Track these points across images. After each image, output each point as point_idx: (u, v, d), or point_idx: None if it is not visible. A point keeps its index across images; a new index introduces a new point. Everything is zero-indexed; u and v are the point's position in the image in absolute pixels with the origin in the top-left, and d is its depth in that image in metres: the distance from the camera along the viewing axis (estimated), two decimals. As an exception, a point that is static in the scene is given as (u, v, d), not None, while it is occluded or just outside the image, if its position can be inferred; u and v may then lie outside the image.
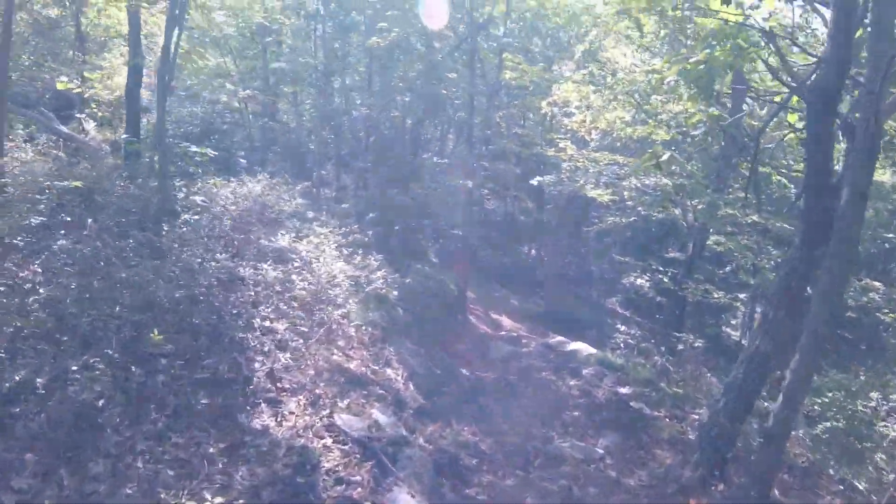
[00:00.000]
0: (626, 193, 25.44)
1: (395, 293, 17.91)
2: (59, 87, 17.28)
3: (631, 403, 17.30)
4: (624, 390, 18.16)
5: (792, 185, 25.55)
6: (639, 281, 26.14)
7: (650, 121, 25.31)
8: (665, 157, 10.93)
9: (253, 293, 12.77)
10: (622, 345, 23.40)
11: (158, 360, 10.73)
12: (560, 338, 24.85)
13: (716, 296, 24.73)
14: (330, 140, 32.49)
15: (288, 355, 12.20)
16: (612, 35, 26.95)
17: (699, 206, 22.22)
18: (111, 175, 15.73)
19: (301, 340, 12.63)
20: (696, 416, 17.21)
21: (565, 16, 28.09)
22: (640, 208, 25.10)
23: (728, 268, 30.33)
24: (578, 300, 34.62)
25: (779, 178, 25.43)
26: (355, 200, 26.20)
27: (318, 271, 14.04)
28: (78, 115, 21.40)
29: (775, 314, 12.90)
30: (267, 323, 12.70)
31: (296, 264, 14.16)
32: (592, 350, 22.33)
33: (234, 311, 12.32)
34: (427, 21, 25.63)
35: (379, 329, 15.62)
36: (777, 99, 12.70)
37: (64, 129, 19.10)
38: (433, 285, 23.12)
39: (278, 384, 11.44)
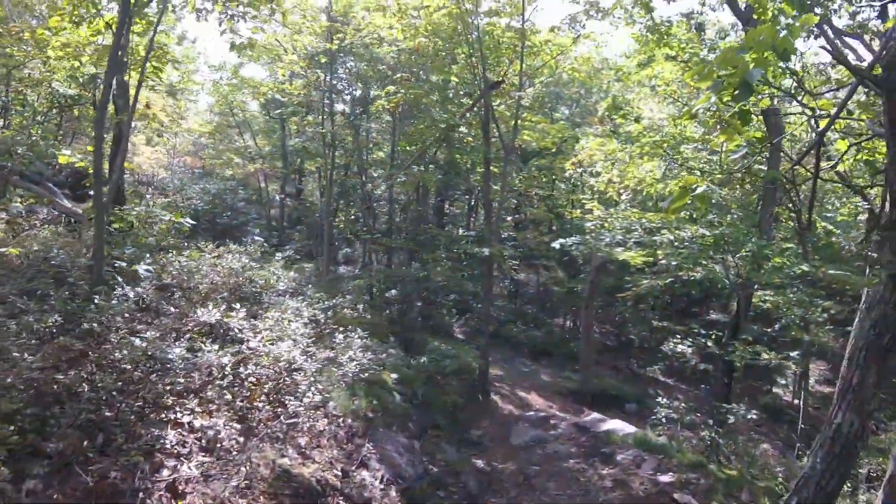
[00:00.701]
0: (659, 253, 22.19)
1: (395, 376, 14.81)
2: (61, 160, 15.56)
3: (675, 496, 13.87)
4: (666, 478, 14.76)
5: (838, 230, 22.30)
6: (680, 347, 22.45)
7: (682, 173, 22.36)
8: (700, 189, 7.73)
9: (184, 379, 9.71)
10: (664, 419, 19.93)
11: (33, 462, 7.64)
12: (594, 415, 21.54)
13: (766, 356, 21.30)
14: (354, 217, 29.77)
15: (212, 460, 9.02)
16: (636, 87, 24.07)
17: (742, 258, 19.00)
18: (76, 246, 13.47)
19: (242, 439, 9.50)
20: (756, 510, 13.77)
21: (584, 70, 25.25)
22: (673, 264, 21.75)
23: (777, 325, 26.92)
24: (617, 372, 31.19)
25: (823, 224, 22.15)
26: (375, 276, 23.22)
27: (284, 354, 10.91)
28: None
29: (862, 379, 9.48)
30: (197, 418, 9.60)
31: (251, 345, 11.07)
32: (630, 428, 18.97)
33: (154, 402, 9.25)
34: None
35: (362, 420, 12.51)
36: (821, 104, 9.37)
37: (67, 203, 17.29)
38: (451, 364, 20.03)
39: (180, 502, 8.16)
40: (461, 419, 18.68)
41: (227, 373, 10.05)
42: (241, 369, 10.31)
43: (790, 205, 22.21)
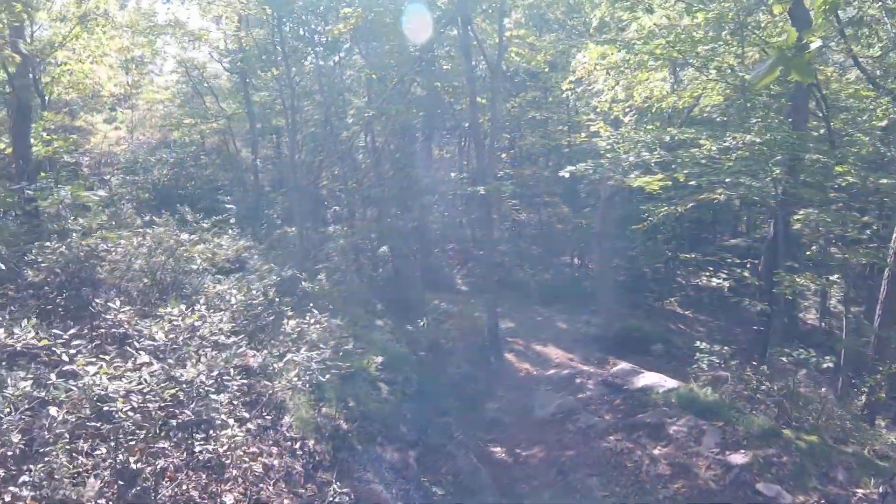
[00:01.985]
0: (679, 176, 17.86)
1: (380, 359, 10.63)
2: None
3: (759, 487, 9.77)
4: (738, 457, 10.77)
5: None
6: (715, 280, 18.21)
7: (700, 75, 18.04)
8: (814, 45, 3.14)
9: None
10: (705, 365, 15.83)
11: None
12: (623, 365, 17.64)
13: (812, 284, 17.28)
14: (335, 174, 25.34)
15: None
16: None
17: (778, 163, 14.86)
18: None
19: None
20: (863, 492, 9.68)
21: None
22: (695, 184, 17.46)
23: (814, 247, 22.76)
24: (634, 308, 26.99)
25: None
26: (360, 232, 18.81)
27: (185, 373, 6.65)
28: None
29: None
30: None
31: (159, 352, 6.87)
32: (670, 382, 15.07)
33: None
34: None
35: (329, 440, 8.35)
36: None
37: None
38: (456, 326, 15.97)
39: None
40: (472, 393, 14.68)
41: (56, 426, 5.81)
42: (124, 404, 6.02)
43: (819, 113, 17.97)
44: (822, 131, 19.09)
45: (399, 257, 18.91)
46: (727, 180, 17.19)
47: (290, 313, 9.59)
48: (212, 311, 8.05)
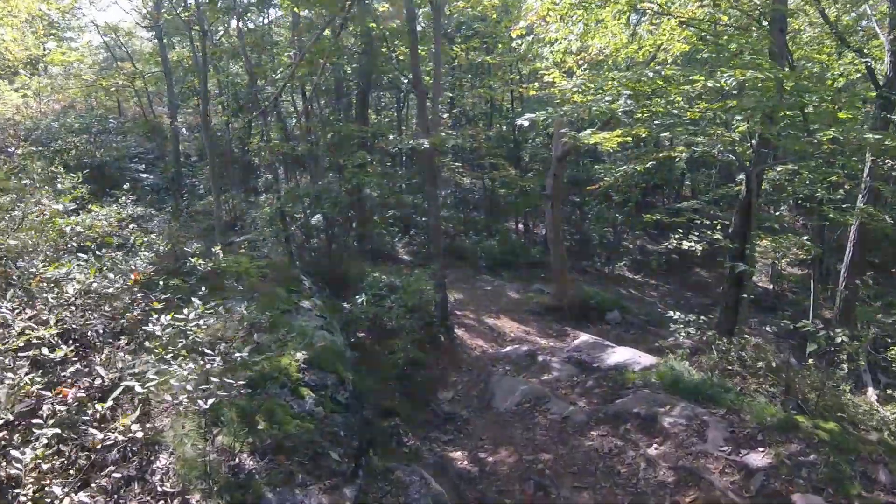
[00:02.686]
0: (640, 131, 15.45)
1: (302, 356, 7.82)
2: None
3: (795, 499, 7.32)
4: (758, 458, 8.34)
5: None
6: (686, 244, 15.73)
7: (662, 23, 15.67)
8: None
9: None
10: (681, 336, 13.55)
11: None
12: (585, 337, 15.43)
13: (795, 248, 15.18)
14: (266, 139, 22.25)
15: None
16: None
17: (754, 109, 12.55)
18: None
19: None
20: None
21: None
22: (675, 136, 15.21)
23: (783, 207, 20.74)
24: (584, 274, 24.75)
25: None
26: (285, 199, 15.72)
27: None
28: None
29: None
30: None
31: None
32: (646, 358, 12.82)
33: None
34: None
35: (218, 497, 5.42)
36: None
37: None
38: (398, 300, 13.28)
39: None
40: (422, 382, 12.02)
41: None
42: None
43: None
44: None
45: (334, 226, 16.02)
46: (696, 135, 14.89)
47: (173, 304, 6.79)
48: (29, 306, 5.19)
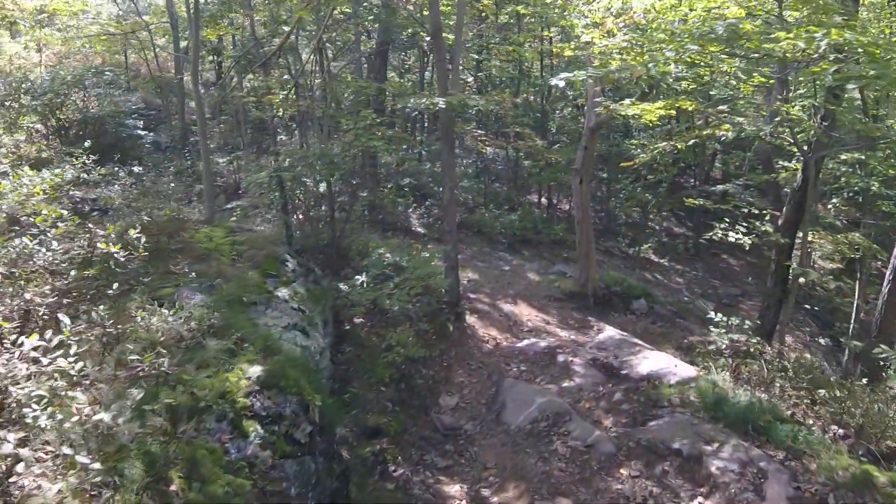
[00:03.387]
0: (686, 103, 13.22)
1: (256, 372, 5.72)
2: None
3: None
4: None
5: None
6: (733, 235, 13.36)
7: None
8: None
9: None
10: (723, 341, 11.34)
11: None
12: (609, 331, 13.51)
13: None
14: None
15: None
16: None
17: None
18: None
19: None
20: None
21: None
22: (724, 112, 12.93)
23: (835, 199, 18.36)
24: (608, 256, 22.49)
25: None
26: (282, 163, 13.51)
27: None
28: None
29: None
30: None
31: None
32: (683, 368, 10.74)
33: None
34: None
35: None
36: None
37: None
38: (406, 283, 11.22)
39: None
40: (422, 384, 9.96)
41: None
42: None
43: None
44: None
45: (339, 195, 13.89)
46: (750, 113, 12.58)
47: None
48: None
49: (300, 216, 13.78)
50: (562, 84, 9.71)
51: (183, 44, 21.56)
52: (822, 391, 9.50)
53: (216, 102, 23.25)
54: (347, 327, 10.71)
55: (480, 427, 9.16)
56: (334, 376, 8.69)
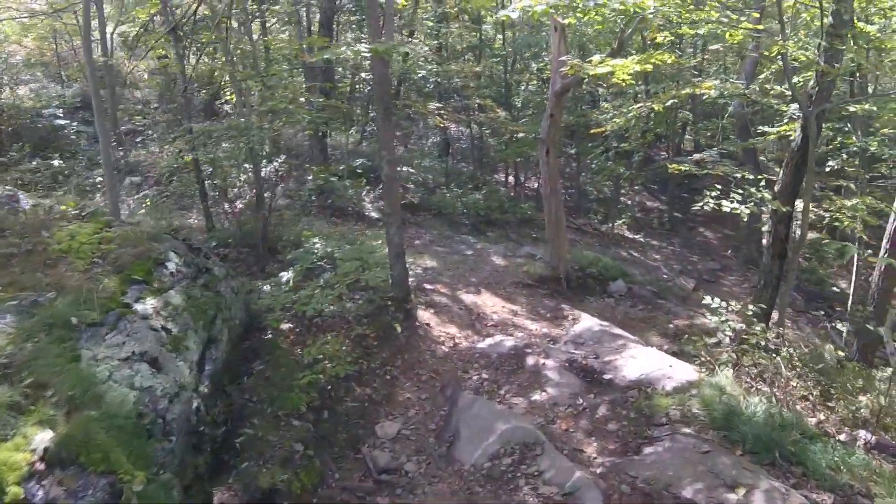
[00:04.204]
0: (666, 57, 10.90)
1: (45, 441, 3.16)
2: None
3: None
4: None
5: None
6: (727, 205, 10.86)
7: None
8: None
9: None
10: (725, 333, 8.97)
11: None
12: (587, 320, 11.39)
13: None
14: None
15: None
16: None
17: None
18: None
19: None
20: None
21: None
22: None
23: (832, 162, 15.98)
24: (581, 235, 20.16)
25: None
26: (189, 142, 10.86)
27: None
28: None
29: None
30: None
31: None
32: (680, 368, 8.29)
33: None
34: None
35: None
36: None
37: None
38: (343, 279, 8.73)
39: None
40: (355, 406, 7.55)
41: None
42: None
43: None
44: None
45: (265, 179, 11.32)
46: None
47: None
48: None
49: (226, 205, 11.24)
50: (515, 15, 7.19)
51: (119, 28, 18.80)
52: (833, 383, 7.28)
53: (161, 87, 20.35)
54: (265, 337, 8.21)
55: (426, 466, 6.72)
56: (217, 418, 6.20)
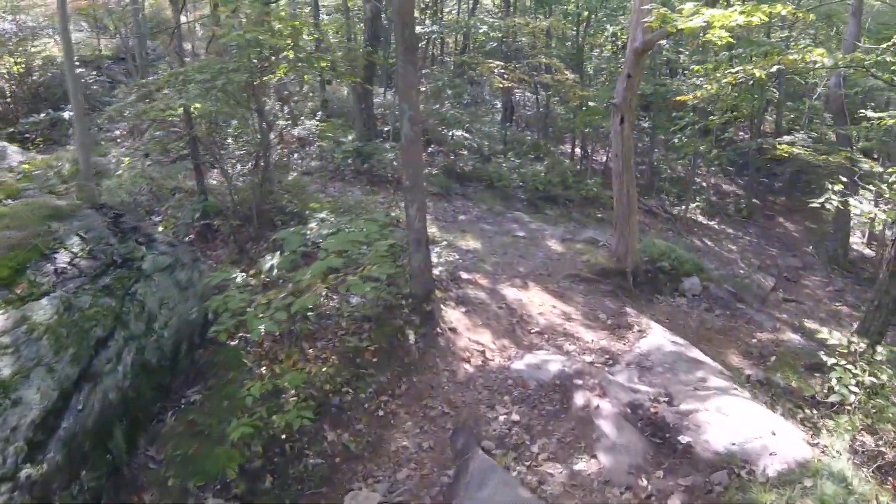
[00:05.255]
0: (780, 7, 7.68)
1: None
2: None
3: None
4: None
5: None
6: (856, 205, 7.79)
7: None
8: None
9: None
10: (843, 388, 6.06)
11: None
12: (659, 337, 8.72)
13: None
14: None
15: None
16: None
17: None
18: None
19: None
20: None
21: None
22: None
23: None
24: (652, 218, 17.20)
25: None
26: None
27: None
28: None
29: None
30: None
31: None
32: (785, 435, 5.15)
33: None
34: None
35: None
36: None
37: None
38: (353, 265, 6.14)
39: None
40: (319, 465, 4.94)
41: None
42: None
43: None
44: None
45: (263, 137, 8.70)
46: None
47: None
48: None
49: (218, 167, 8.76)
50: None
51: None
52: None
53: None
54: (223, 349, 5.72)
55: None
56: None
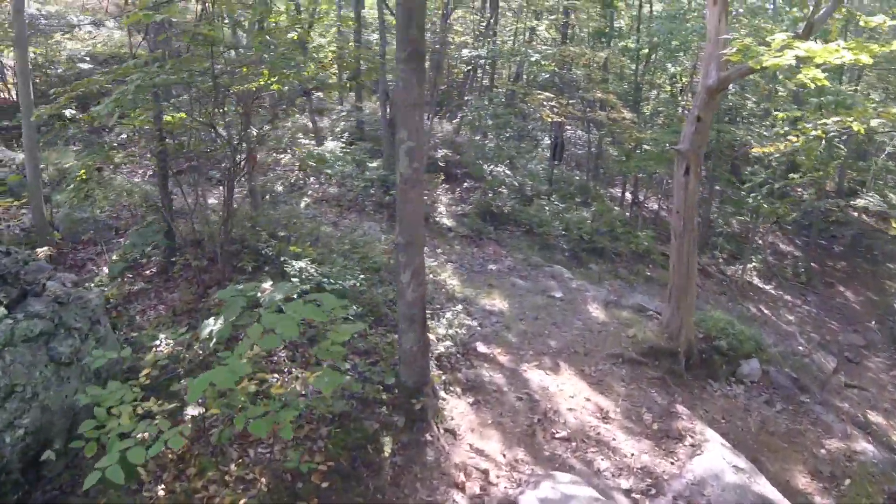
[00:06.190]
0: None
1: None
2: None
3: None
4: None
5: None
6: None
7: None
8: None
9: None
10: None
11: None
12: (717, 453, 6.71)
13: None
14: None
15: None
16: None
17: None
18: None
19: None
20: None
21: None
22: None
23: None
24: (704, 278, 14.70)
25: None
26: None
27: None
28: None
29: None
30: None
31: None
32: None
33: None
34: None
35: None
36: None
37: None
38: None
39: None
40: None
41: None
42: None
43: None
44: None
45: (231, 165, 6.65)
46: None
47: None
48: None
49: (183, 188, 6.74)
50: None
51: None
52: None
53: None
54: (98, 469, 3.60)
55: None
56: None
